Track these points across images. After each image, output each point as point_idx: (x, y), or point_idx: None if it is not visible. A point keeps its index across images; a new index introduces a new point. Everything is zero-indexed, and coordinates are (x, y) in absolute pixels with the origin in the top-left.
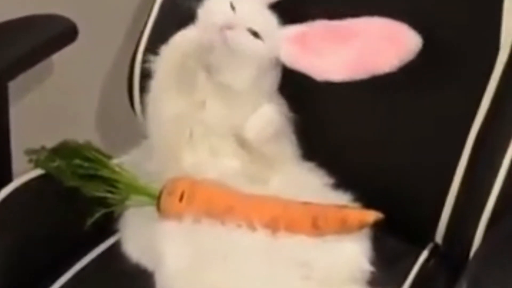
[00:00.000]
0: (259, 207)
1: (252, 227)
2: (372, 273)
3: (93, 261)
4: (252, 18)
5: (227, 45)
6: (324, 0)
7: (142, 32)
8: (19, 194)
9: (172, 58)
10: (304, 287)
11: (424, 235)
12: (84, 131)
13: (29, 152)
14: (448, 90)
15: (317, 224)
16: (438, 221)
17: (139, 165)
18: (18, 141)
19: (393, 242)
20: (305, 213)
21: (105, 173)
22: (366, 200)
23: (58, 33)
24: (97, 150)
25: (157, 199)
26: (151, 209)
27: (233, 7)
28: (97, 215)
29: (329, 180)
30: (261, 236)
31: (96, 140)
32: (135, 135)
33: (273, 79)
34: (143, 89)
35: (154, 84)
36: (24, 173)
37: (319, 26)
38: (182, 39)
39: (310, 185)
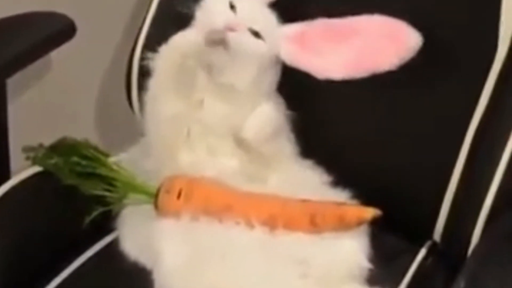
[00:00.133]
0: (257, 204)
1: (250, 225)
2: (370, 270)
3: (91, 259)
4: (252, 18)
5: (229, 47)
6: None
7: (140, 30)
8: (17, 191)
9: (171, 59)
10: (302, 285)
11: (423, 233)
12: (82, 129)
13: (26, 149)
14: (446, 88)
15: (315, 222)
16: (436, 218)
17: (137, 163)
18: (16, 138)
19: (391, 239)
20: (303, 210)
21: (103, 171)
22: (365, 198)
23: (56, 31)
24: (95, 148)
25: (154, 197)
26: (149, 207)
27: (232, 6)
28: (95, 213)
29: (328, 178)
30: (259, 233)
31: (94, 138)
32: (133, 133)
33: (272, 77)
34: (141, 87)
35: (153, 84)
36: (21, 171)
37: (319, 25)
38: (182, 40)
39: (309, 183)
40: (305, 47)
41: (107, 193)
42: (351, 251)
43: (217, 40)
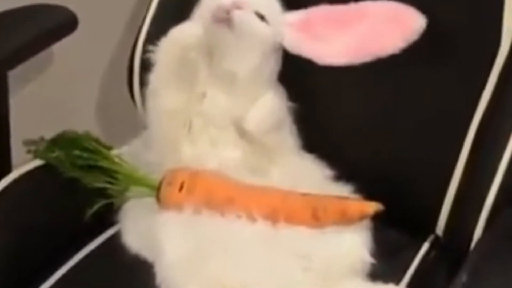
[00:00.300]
0: (259, 198)
1: (252, 218)
2: (373, 264)
3: (92, 252)
4: (258, 2)
5: (234, 26)
6: None
7: (142, 23)
8: (18, 185)
9: (171, 52)
10: (304, 279)
11: (425, 227)
12: (84, 122)
13: (27, 142)
14: (449, 82)
15: (317, 215)
16: (439, 213)
17: (139, 156)
18: (18, 131)
19: (394, 234)
20: (305, 204)
21: (104, 164)
22: (367, 192)
23: (58, 24)
24: (97, 141)
25: (156, 190)
26: (151, 200)
27: None
28: (97, 206)
29: (330, 172)
30: (261, 227)
31: (96, 131)
32: (135, 125)
33: (273, 66)
34: (143, 80)
35: (153, 78)
36: (23, 164)
37: (321, 11)
38: (181, 33)
39: (311, 176)
40: (308, 34)
41: (109, 186)
42: (353, 246)
43: (223, 18)
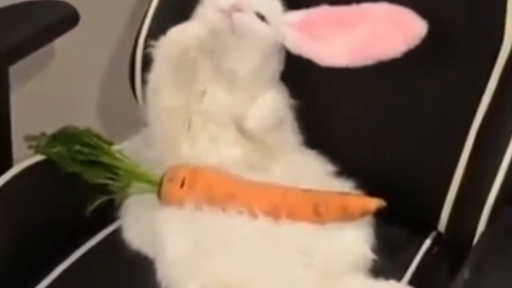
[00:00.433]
0: (260, 194)
1: (253, 214)
2: (374, 261)
3: (93, 248)
4: (258, 2)
5: (235, 28)
6: None
7: (144, 18)
8: (19, 180)
9: (171, 52)
10: (305, 275)
11: (427, 224)
12: (85, 118)
13: (29, 138)
14: (450, 83)
15: (318, 211)
16: (441, 209)
17: (140, 152)
18: (19, 127)
19: (395, 230)
20: (307, 200)
21: (105, 159)
22: (369, 188)
23: (59, 19)
24: (98, 136)
25: (158, 186)
26: (152, 196)
27: None
28: (98, 202)
29: (331, 168)
30: (262, 223)
31: (97, 127)
32: (136, 121)
33: (275, 66)
34: (145, 76)
35: (153, 77)
36: (24, 160)
37: (323, 12)
38: (181, 33)
39: (312, 172)
40: (309, 35)
41: (110, 182)
42: (354, 242)
43: (224, 20)
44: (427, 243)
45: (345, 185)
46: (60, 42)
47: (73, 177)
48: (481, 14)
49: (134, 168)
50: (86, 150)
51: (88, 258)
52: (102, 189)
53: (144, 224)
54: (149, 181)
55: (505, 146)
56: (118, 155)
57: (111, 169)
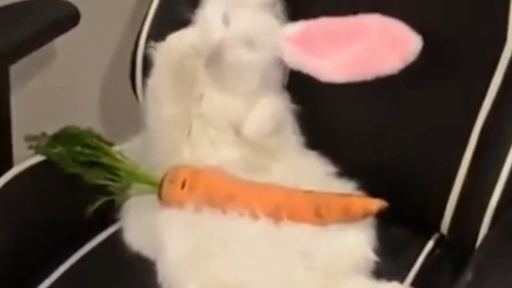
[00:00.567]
0: (261, 195)
1: (254, 216)
2: (377, 262)
3: (94, 249)
4: (248, 27)
5: (225, 64)
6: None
7: (145, 18)
8: (19, 180)
9: (170, 60)
10: (306, 277)
11: (430, 225)
12: (86, 118)
13: (29, 138)
14: (454, 82)
15: (320, 213)
16: (443, 211)
17: (140, 152)
18: (20, 127)
19: (398, 231)
20: (308, 201)
21: (106, 160)
22: (370, 189)
23: (60, 17)
24: (98, 137)
25: (158, 187)
26: (153, 197)
27: (226, 19)
28: (98, 203)
29: (333, 169)
30: (263, 225)
31: (98, 127)
32: (137, 121)
33: (277, 76)
34: (146, 76)
35: (152, 86)
36: (24, 160)
37: (321, 25)
38: (179, 40)
39: (313, 173)
40: (307, 49)
41: (110, 183)
42: (356, 243)
43: (214, 58)
44: (430, 244)
45: (346, 186)
46: (61, 42)
47: (73, 178)
48: (482, 22)
49: (135, 169)
50: (86, 151)
51: (88, 259)
52: (103, 190)
53: (145, 226)
54: (150, 182)
55: (508, 148)
56: (118, 156)
57: (112, 170)
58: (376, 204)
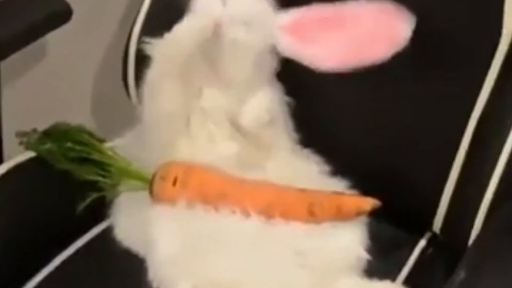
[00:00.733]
0: (253, 193)
1: (246, 214)
2: (369, 261)
3: (84, 246)
4: (244, 9)
5: (222, 43)
6: None
7: (137, 15)
8: (10, 176)
9: (167, 56)
10: (299, 275)
11: (422, 224)
12: (77, 114)
13: (20, 134)
14: (447, 78)
15: (312, 211)
16: (436, 210)
17: (132, 149)
18: (11, 123)
19: (390, 230)
20: (301, 199)
21: (97, 156)
22: (363, 187)
23: (51, 13)
24: (90, 133)
25: (149, 184)
26: (144, 194)
27: (224, 1)
28: (89, 199)
29: (326, 167)
30: (255, 222)
31: (90, 124)
32: (129, 118)
33: (270, 65)
34: (138, 73)
35: (150, 82)
36: (15, 156)
37: (314, 12)
38: (177, 35)
39: (307, 171)
40: (300, 37)
41: (101, 179)
42: (349, 242)
43: (211, 38)
44: (422, 243)
45: (339, 185)
46: (53, 38)
47: (64, 174)
48: (479, 10)
49: (126, 165)
50: (77, 147)
51: (79, 256)
52: (94, 186)
53: (136, 222)
54: (141, 179)
55: (501, 146)
56: (110, 153)
57: (103, 166)
58: (369, 203)
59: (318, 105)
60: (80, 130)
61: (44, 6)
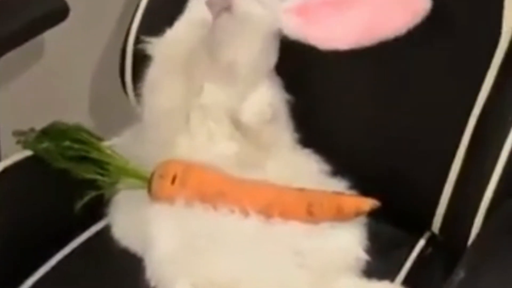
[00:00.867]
0: (252, 192)
1: (245, 213)
2: (368, 261)
3: (82, 245)
4: None
5: (234, 14)
6: None
7: (134, 13)
8: (7, 175)
9: (168, 54)
10: (297, 275)
11: (422, 224)
12: (75, 113)
13: (17, 133)
14: (447, 76)
15: (311, 211)
16: (435, 210)
17: (130, 147)
18: (8, 122)
19: (389, 230)
20: (300, 199)
21: (95, 155)
22: (363, 187)
23: (48, 11)
24: (88, 132)
25: (148, 182)
26: (142, 193)
27: None
28: (87, 197)
29: (326, 167)
30: (254, 222)
31: (87, 122)
32: (127, 117)
33: (271, 57)
34: (136, 71)
35: (152, 76)
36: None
37: None
38: (176, 34)
39: (306, 171)
40: (308, 19)
41: (99, 178)
42: (348, 242)
43: (224, 7)
44: (421, 243)
45: (339, 185)
46: (50, 36)
47: (61, 173)
48: (479, 6)
49: (124, 164)
50: (75, 145)
51: (76, 255)
52: (92, 185)
53: (134, 221)
54: (140, 177)
55: (501, 144)
56: (108, 151)
57: (101, 165)
58: (368, 203)
59: (318, 106)
60: (78, 128)
61: (41, 4)
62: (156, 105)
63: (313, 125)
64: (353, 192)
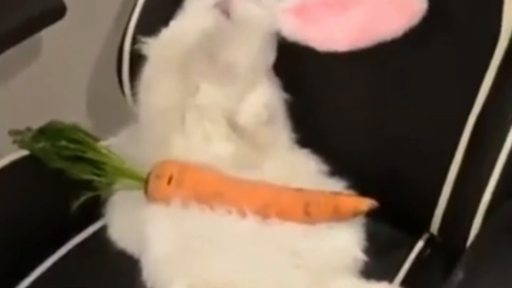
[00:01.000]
0: (250, 193)
1: (242, 213)
2: (366, 262)
3: (78, 246)
4: None
5: (233, 16)
6: None
7: (132, 12)
8: (3, 175)
9: (165, 53)
10: (295, 276)
11: (420, 225)
12: (72, 113)
13: (13, 132)
14: (446, 75)
15: (309, 211)
16: (434, 210)
17: (127, 148)
18: (5, 122)
19: (388, 231)
20: (297, 199)
21: (91, 155)
22: (361, 187)
23: (45, 10)
24: (84, 132)
25: (144, 182)
26: (139, 193)
27: None
28: (83, 198)
29: (324, 167)
30: (251, 222)
31: (84, 122)
32: (124, 117)
33: (269, 57)
34: (133, 71)
35: (146, 78)
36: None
37: None
38: (173, 33)
39: (304, 171)
40: (306, 19)
41: (95, 178)
42: (345, 243)
43: (223, 9)
44: (420, 244)
45: (337, 185)
46: (47, 35)
47: (58, 173)
48: (479, 4)
49: (121, 164)
50: (72, 145)
51: (72, 255)
52: (88, 185)
53: (130, 221)
54: (136, 177)
55: (501, 144)
56: (104, 151)
57: (97, 165)
58: (366, 203)
59: (316, 106)
60: (75, 128)
61: (38, 3)
62: (151, 104)
63: (311, 125)
64: (351, 192)
